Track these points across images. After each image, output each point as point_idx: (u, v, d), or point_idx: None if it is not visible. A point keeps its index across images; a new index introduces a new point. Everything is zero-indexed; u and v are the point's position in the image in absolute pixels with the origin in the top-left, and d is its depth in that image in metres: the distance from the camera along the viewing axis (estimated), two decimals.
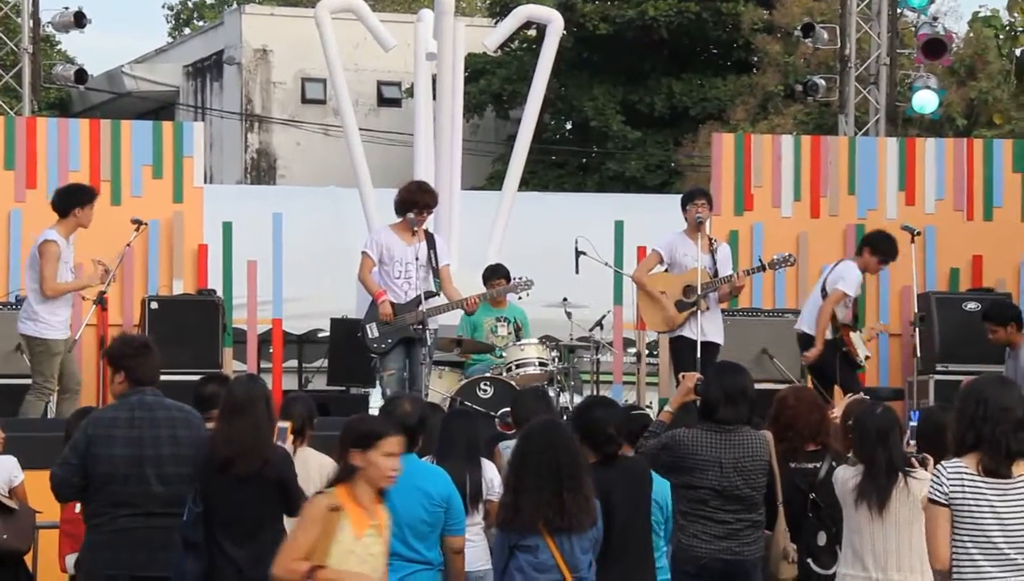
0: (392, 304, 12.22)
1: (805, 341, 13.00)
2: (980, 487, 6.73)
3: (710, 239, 12.61)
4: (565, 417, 12.66)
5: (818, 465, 8.47)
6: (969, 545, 6.93)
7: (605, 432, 7.83)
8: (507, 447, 9.09)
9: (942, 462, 7.01)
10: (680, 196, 13.19)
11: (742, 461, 8.01)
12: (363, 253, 12.41)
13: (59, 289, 12.06)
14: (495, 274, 13.92)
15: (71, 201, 12.20)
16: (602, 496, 7.61)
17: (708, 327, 12.40)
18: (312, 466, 8.42)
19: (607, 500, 7.63)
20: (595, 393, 14.10)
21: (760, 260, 12.92)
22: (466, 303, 12.43)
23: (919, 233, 14.00)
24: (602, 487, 7.64)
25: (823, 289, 12.95)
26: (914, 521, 7.63)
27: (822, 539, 8.32)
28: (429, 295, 12.25)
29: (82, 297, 12.70)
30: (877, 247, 13.02)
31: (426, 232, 12.34)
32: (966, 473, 6.79)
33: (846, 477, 7.89)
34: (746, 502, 8.03)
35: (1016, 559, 6.76)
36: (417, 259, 12.25)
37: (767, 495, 8.16)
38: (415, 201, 12.30)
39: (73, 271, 12.23)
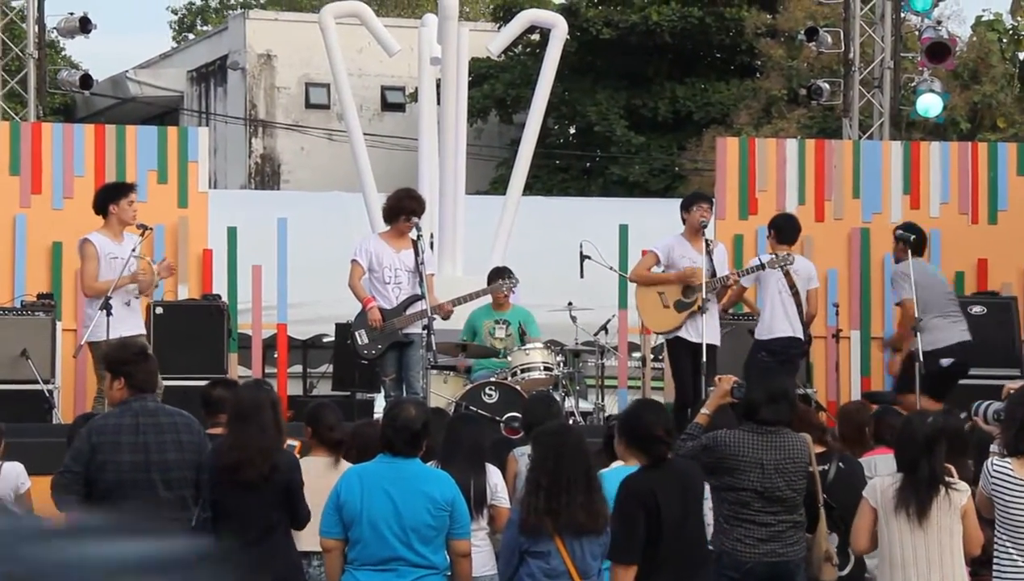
0: (380, 310, 12.26)
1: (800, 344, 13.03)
2: (1021, 490, 6.79)
3: (706, 241, 12.56)
4: (571, 421, 12.72)
5: (826, 468, 8.47)
6: (1008, 544, 7.00)
7: (654, 435, 7.76)
8: (522, 453, 9.10)
9: (993, 459, 7.08)
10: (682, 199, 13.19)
11: (783, 463, 7.97)
12: (352, 261, 12.45)
13: (97, 288, 11.99)
14: (500, 275, 13.91)
15: (104, 198, 12.13)
16: (650, 499, 7.57)
17: (706, 329, 12.37)
18: None
19: (655, 503, 7.60)
20: (600, 397, 14.13)
21: (760, 259, 12.84)
22: (441, 309, 12.42)
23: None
24: (650, 490, 7.60)
25: (797, 291, 12.85)
26: (955, 531, 7.62)
27: (834, 540, 8.31)
28: (416, 299, 12.25)
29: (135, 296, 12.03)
30: (778, 232, 13.06)
31: (412, 239, 12.36)
32: (1010, 474, 6.86)
33: (884, 486, 7.87)
34: (787, 504, 7.99)
35: None
36: (406, 266, 12.30)
37: (807, 497, 8.13)
38: (403, 208, 12.35)
39: (143, 263, 11.92)
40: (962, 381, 13.57)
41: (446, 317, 12.60)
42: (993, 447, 7.57)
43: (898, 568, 7.78)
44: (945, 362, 12.79)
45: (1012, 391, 7.50)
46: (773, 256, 12.76)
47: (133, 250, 11.76)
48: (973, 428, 8.67)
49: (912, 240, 12.71)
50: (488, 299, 13.72)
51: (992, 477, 7.14)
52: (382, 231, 12.73)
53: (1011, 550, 7.21)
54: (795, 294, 12.77)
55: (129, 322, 11.80)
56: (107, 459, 7.82)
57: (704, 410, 8.25)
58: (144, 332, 11.96)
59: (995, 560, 7.48)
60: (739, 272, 12.74)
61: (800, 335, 12.80)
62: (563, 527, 7.52)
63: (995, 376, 13.00)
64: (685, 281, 12.49)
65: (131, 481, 7.81)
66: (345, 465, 8.58)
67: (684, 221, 12.68)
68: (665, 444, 7.76)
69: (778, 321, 12.70)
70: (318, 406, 8.97)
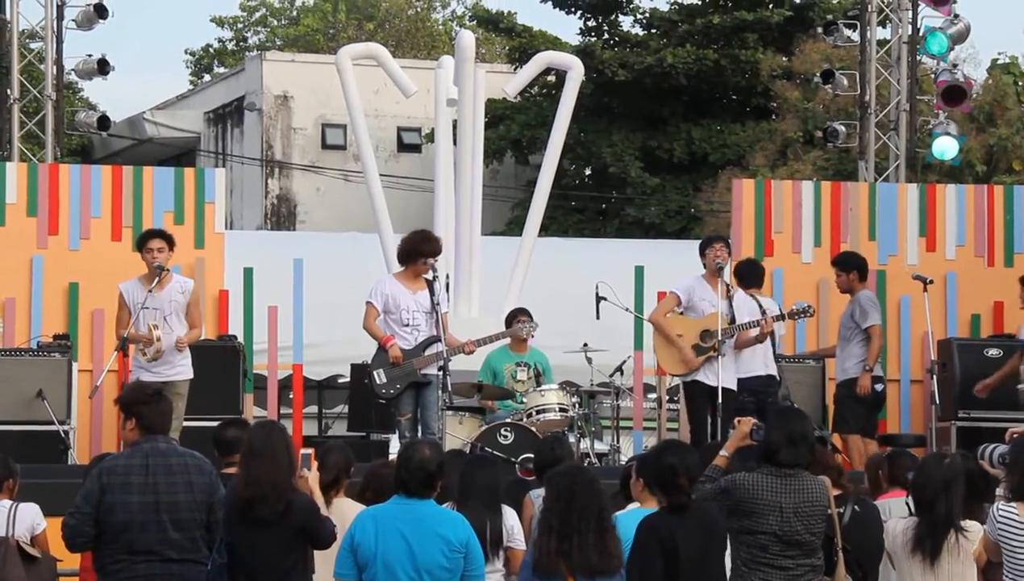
0: (400, 349, 12.33)
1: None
2: None
3: (727, 285, 12.63)
4: (587, 462, 12.71)
5: (841, 510, 8.45)
6: None
7: (676, 481, 7.75)
8: (538, 495, 9.09)
9: (998, 504, 7.05)
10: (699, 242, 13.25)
11: (802, 506, 7.93)
12: (368, 303, 12.56)
13: (118, 336, 12.23)
14: (518, 314, 13.94)
15: (138, 249, 12.46)
16: (669, 541, 7.57)
17: (723, 373, 12.39)
18: (348, 516, 8.39)
19: (673, 548, 7.57)
20: (615, 439, 14.12)
21: (780, 309, 12.93)
22: (463, 349, 12.50)
23: (931, 282, 14.02)
24: (670, 532, 7.61)
25: (773, 331, 13.03)
26: (967, 577, 7.57)
27: None
28: (434, 340, 12.32)
29: (142, 352, 12.26)
30: (740, 278, 13.28)
31: (427, 280, 12.44)
32: (1015, 519, 6.83)
33: (897, 530, 7.84)
34: (806, 547, 7.94)
35: None
36: (423, 307, 12.36)
37: (825, 540, 8.09)
38: (419, 251, 12.43)
39: (168, 319, 12.15)
40: (974, 423, 13.68)
41: (469, 354, 12.68)
42: (999, 491, 7.54)
43: None
44: (879, 387, 13.36)
45: (1016, 435, 7.45)
46: (793, 308, 12.86)
47: (155, 326, 11.95)
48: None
49: (863, 269, 13.63)
50: (505, 340, 13.74)
51: (998, 522, 7.09)
52: (397, 272, 12.78)
53: None
54: (772, 335, 12.93)
55: (178, 366, 12.05)
56: (116, 500, 7.82)
57: (723, 452, 8.22)
58: (190, 377, 12.09)
59: None
60: (766, 320, 12.70)
61: (775, 373, 12.92)
62: (576, 568, 7.51)
63: (1012, 419, 12.99)
64: (689, 364, 12.52)
65: (140, 522, 7.82)
66: (340, 504, 8.61)
67: (704, 264, 12.75)
68: (686, 492, 7.72)
69: (757, 361, 12.79)
70: (323, 449, 9.02)
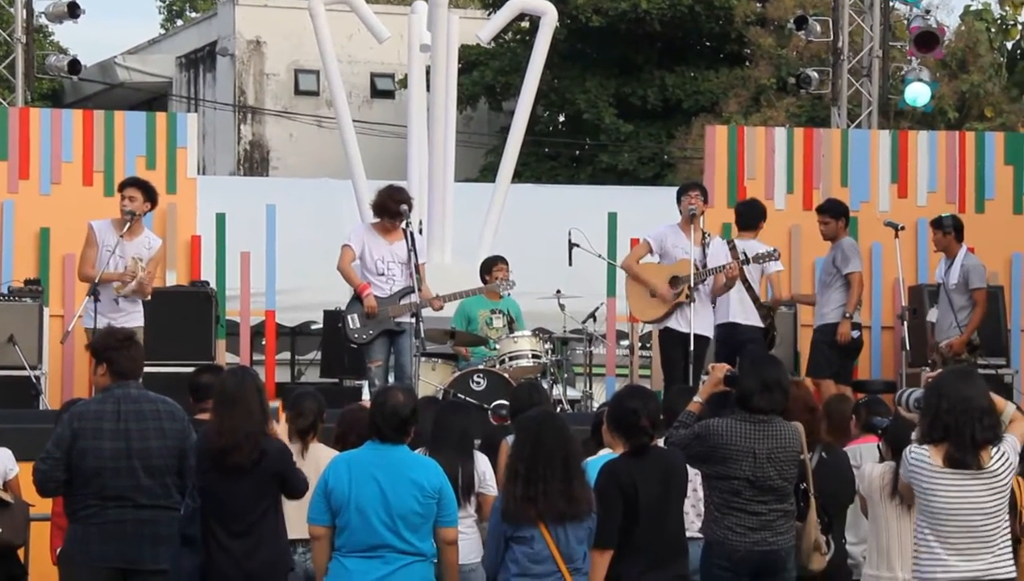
0: (375, 297, 12.31)
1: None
2: (938, 477, 6.86)
3: (704, 233, 12.57)
4: (559, 409, 12.75)
5: (809, 456, 8.49)
6: (928, 534, 7.00)
7: (637, 423, 7.81)
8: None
9: (911, 446, 7.13)
10: (675, 188, 13.21)
11: (775, 452, 7.97)
12: (344, 246, 12.47)
13: (83, 273, 12.10)
14: (496, 262, 13.90)
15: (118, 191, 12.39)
16: (629, 486, 7.64)
17: (696, 320, 12.35)
18: (323, 461, 8.41)
19: (634, 489, 7.64)
20: (588, 385, 14.15)
21: (744, 254, 12.84)
22: (432, 303, 12.48)
23: (903, 228, 14.03)
24: (630, 476, 7.67)
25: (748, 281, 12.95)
26: None
27: None
28: (411, 291, 12.29)
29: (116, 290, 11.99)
30: (737, 217, 13.27)
31: (405, 230, 12.39)
32: (927, 461, 6.92)
33: (874, 474, 7.90)
34: (778, 492, 7.99)
35: (975, 547, 6.87)
36: (397, 257, 12.34)
37: (797, 486, 8.14)
38: (387, 209, 12.39)
39: (131, 262, 12.02)
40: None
41: (437, 309, 12.64)
42: (914, 434, 7.59)
43: (883, 554, 7.81)
44: (855, 334, 13.32)
45: (931, 379, 7.50)
46: (759, 252, 12.74)
47: (139, 259, 11.84)
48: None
49: (848, 216, 13.57)
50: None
51: (910, 464, 7.11)
52: (373, 222, 12.73)
53: (931, 540, 7.08)
54: (746, 280, 12.82)
55: (131, 314, 11.88)
56: (87, 445, 7.82)
57: (696, 398, 8.25)
58: (141, 324, 11.99)
59: (915, 554, 7.23)
60: (732, 265, 12.64)
61: (740, 320, 12.77)
62: (543, 514, 7.55)
63: (982, 365, 13.07)
64: (664, 298, 12.44)
65: (112, 468, 7.82)
66: (316, 449, 8.65)
67: (680, 211, 12.68)
68: (647, 434, 7.79)
69: (720, 309, 12.73)
70: (296, 394, 9.02)
